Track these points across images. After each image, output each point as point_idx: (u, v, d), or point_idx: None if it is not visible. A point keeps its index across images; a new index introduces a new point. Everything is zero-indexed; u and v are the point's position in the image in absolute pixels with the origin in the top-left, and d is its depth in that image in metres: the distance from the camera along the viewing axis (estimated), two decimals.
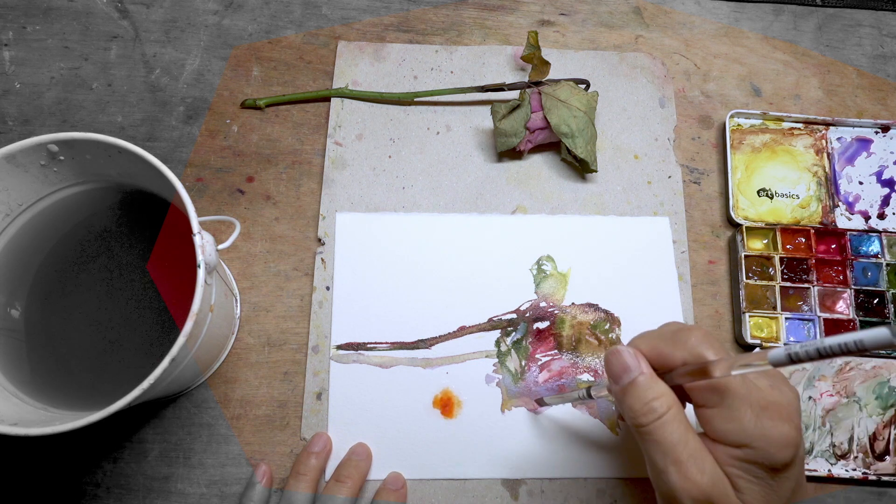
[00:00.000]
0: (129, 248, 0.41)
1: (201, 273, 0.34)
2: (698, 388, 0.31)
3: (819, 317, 0.47)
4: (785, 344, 0.46)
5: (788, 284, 0.48)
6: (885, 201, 0.51)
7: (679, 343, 0.31)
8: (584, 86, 0.51)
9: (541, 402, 0.44)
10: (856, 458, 0.45)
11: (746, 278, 0.48)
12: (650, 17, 0.57)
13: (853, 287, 0.48)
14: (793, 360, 0.25)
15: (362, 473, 0.43)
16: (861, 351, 0.23)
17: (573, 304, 0.48)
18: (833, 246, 0.49)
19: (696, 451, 0.30)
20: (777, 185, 0.51)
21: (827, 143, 0.52)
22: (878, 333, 0.22)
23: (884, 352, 0.46)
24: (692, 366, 0.30)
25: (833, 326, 0.47)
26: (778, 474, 0.29)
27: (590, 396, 0.38)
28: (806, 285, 0.48)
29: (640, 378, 0.31)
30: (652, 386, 0.31)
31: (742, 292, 0.47)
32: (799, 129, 0.53)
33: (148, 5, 0.55)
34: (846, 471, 0.44)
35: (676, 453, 0.30)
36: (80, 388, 0.38)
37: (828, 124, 0.53)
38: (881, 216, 0.51)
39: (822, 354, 0.24)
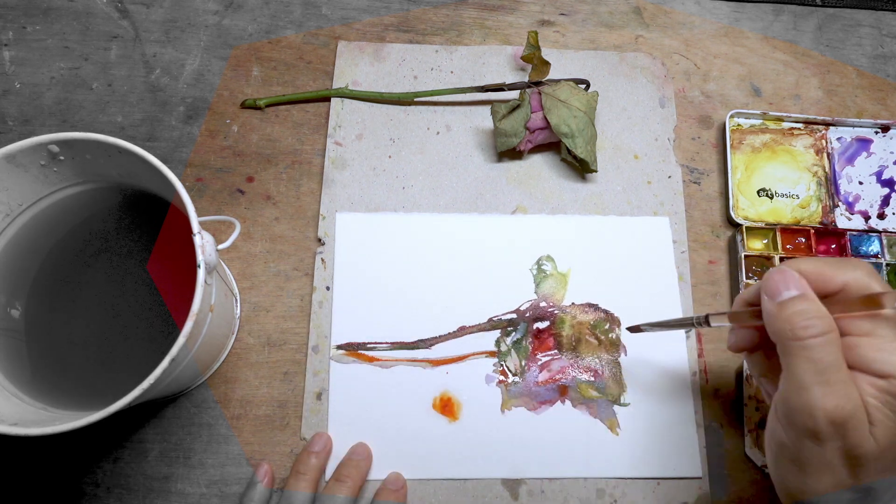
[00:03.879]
0: (129, 249, 0.41)
1: (201, 273, 0.34)
2: (851, 316, 0.31)
3: None
4: None
5: None
6: (885, 201, 0.51)
7: (844, 268, 0.32)
8: (584, 86, 0.51)
9: (635, 330, 0.44)
10: None
11: (746, 278, 0.48)
12: (650, 17, 0.57)
13: None
14: None
15: (362, 473, 0.43)
16: None
17: (573, 304, 0.48)
18: (833, 246, 0.49)
19: (846, 378, 0.29)
20: (777, 185, 0.51)
21: (827, 143, 0.52)
22: None
23: None
24: (861, 295, 0.30)
25: None
26: None
27: (706, 324, 0.38)
28: None
29: (805, 294, 0.31)
30: (815, 304, 0.31)
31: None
32: (799, 129, 0.53)
33: (148, 5, 0.55)
34: None
35: (828, 374, 0.29)
36: (81, 388, 0.38)
37: (828, 124, 0.53)
38: (881, 216, 0.51)
39: None
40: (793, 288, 0.32)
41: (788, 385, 0.31)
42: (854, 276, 0.32)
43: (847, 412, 0.29)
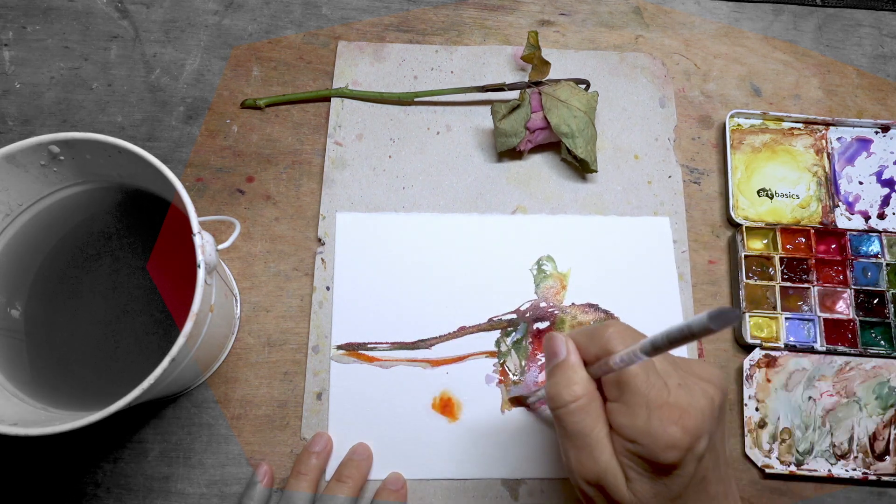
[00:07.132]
0: (129, 248, 0.41)
1: (201, 273, 0.34)
2: (605, 381, 0.32)
3: (819, 317, 0.47)
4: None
5: (788, 284, 0.48)
6: (885, 201, 0.51)
7: (595, 338, 0.33)
8: (584, 86, 0.51)
9: (519, 401, 0.45)
10: (856, 458, 0.45)
11: (746, 278, 0.48)
12: (650, 17, 0.57)
13: (853, 287, 0.48)
14: (655, 348, 0.28)
15: (363, 473, 0.43)
16: (693, 336, 0.25)
17: (573, 304, 0.48)
18: (833, 246, 0.49)
19: (595, 442, 0.31)
20: (777, 185, 0.51)
21: (827, 143, 0.52)
22: (699, 318, 0.24)
23: (884, 351, 0.46)
24: (601, 361, 0.32)
25: (833, 326, 0.47)
26: (665, 474, 0.30)
27: None
28: (806, 285, 0.48)
29: (560, 364, 0.33)
30: (568, 374, 0.32)
31: (742, 292, 0.47)
32: (799, 129, 0.53)
33: (148, 5, 0.55)
34: (846, 471, 0.44)
35: (574, 441, 0.32)
36: (80, 388, 0.38)
37: (828, 124, 0.53)
38: (881, 216, 0.51)
39: (671, 341, 0.27)
40: (557, 356, 0.33)
41: (559, 444, 0.34)
42: (601, 344, 0.32)
43: (596, 472, 0.31)
